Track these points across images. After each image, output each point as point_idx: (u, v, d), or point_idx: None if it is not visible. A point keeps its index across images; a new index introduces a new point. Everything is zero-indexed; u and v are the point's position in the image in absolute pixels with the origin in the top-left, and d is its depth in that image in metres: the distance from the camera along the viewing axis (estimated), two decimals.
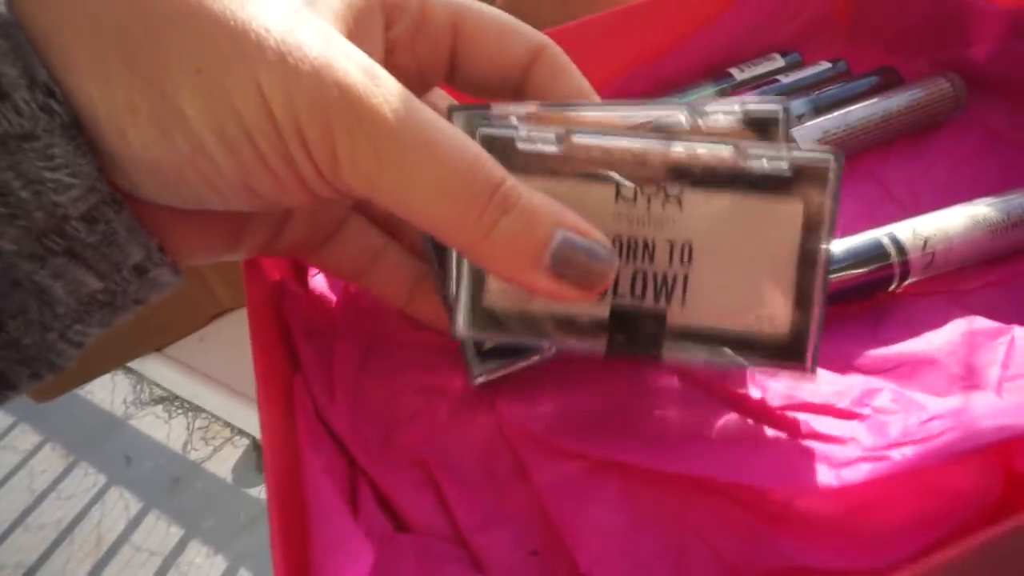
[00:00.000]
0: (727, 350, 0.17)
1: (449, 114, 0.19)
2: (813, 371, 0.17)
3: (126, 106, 0.13)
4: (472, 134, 0.16)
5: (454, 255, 0.18)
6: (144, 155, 0.14)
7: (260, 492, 1.54)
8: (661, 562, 0.17)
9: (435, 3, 0.19)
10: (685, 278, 0.17)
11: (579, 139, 0.17)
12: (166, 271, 0.16)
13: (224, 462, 1.59)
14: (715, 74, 0.36)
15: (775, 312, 0.17)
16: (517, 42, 0.19)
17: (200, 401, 0.35)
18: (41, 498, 1.55)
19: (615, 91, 0.36)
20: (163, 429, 1.64)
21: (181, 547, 1.45)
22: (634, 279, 0.17)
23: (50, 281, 0.14)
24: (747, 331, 0.17)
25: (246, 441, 1.59)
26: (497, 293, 0.17)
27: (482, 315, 0.17)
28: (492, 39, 0.19)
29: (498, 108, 0.18)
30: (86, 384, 0.34)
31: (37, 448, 1.63)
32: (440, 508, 0.19)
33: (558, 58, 0.20)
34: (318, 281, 0.26)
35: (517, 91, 0.20)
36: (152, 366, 0.35)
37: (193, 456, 1.61)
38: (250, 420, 0.34)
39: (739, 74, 0.36)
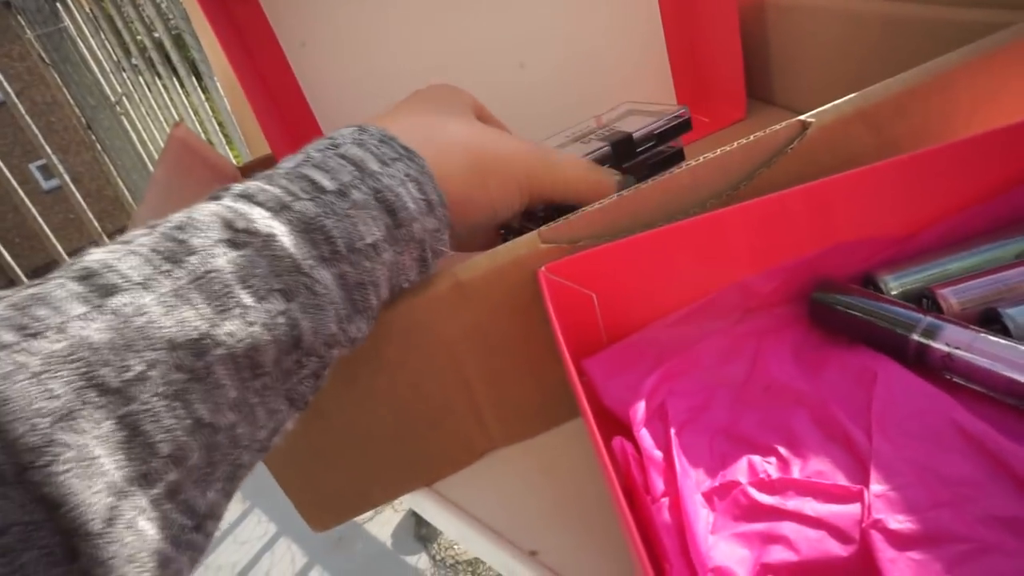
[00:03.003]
0: None
1: None
2: None
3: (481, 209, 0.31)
4: None
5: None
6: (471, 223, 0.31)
7: (417, 560, 1.55)
8: None
9: None
10: None
11: None
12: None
13: (384, 526, 1.61)
14: None
15: None
16: None
17: (461, 539, 0.33)
18: (219, 540, 1.65)
19: (951, 227, 0.31)
20: None
21: None
22: None
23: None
24: None
25: (407, 507, 1.60)
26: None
27: None
28: None
29: None
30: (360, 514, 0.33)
31: None
32: None
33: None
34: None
35: None
36: (417, 499, 0.34)
37: None
38: (506, 563, 0.31)
39: None
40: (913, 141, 0.33)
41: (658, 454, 0.24)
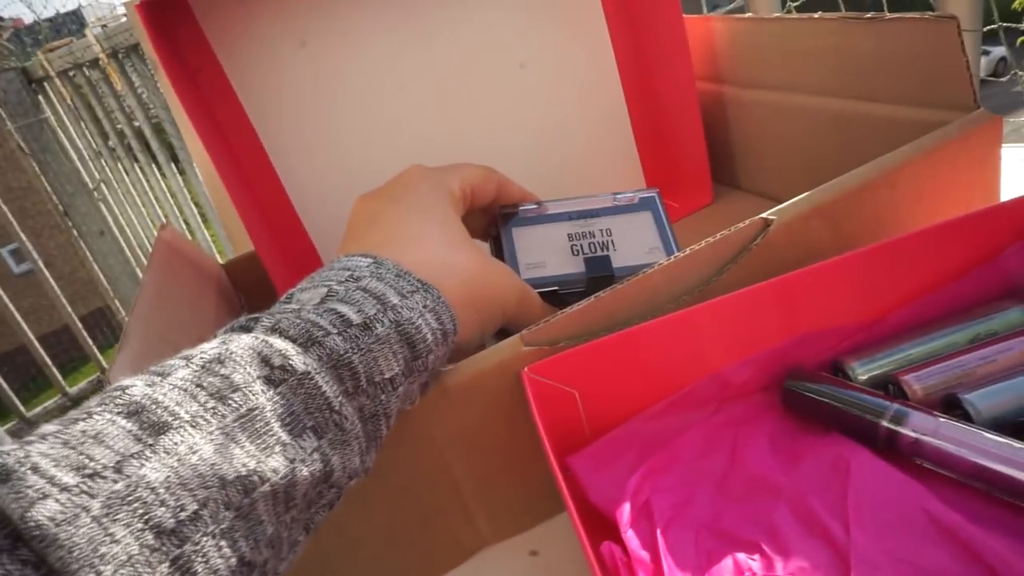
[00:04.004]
0: None
1: None
2: None
3: (472, 335, 0.32)
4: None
5: None
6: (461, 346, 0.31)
7: None
8: None
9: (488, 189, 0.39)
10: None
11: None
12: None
13: None
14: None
15: None
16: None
17: None
18: None
19: (910, 314, 0.33)
20: None
21: None
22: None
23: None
24: None
25: None
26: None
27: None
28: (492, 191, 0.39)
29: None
30: None
31: None
32: None
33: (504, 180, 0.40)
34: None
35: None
36: None
37: None
38: None
39: None
40: (867, 233, 0.35)
41: (645, 555, 0.25)
